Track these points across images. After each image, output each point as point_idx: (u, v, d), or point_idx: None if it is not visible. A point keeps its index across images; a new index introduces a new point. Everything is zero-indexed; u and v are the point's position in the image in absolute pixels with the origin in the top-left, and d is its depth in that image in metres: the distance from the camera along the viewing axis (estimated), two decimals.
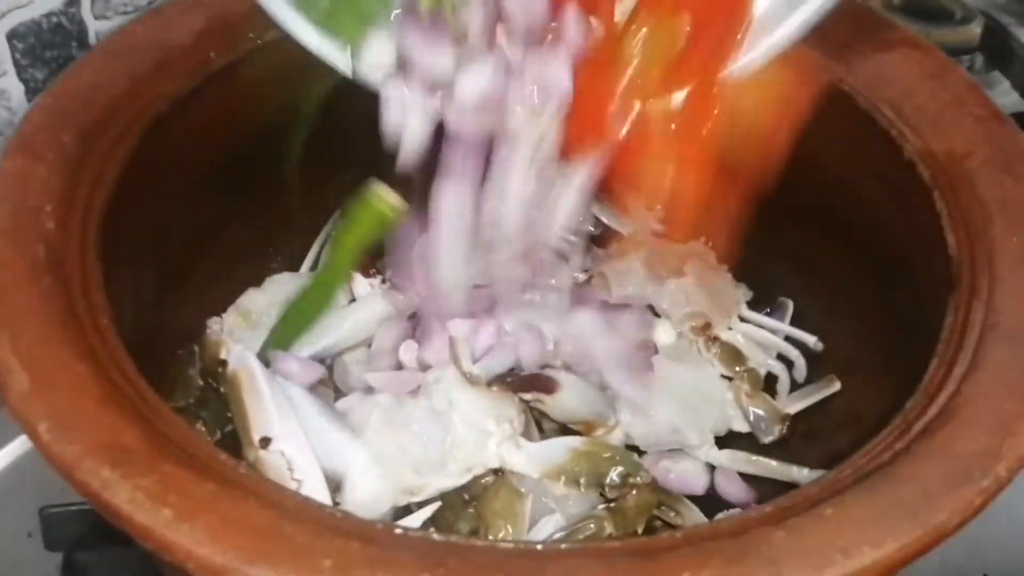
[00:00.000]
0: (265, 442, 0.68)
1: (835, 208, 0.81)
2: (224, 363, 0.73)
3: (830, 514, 0.48)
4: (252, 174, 0.83)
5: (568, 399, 0.75)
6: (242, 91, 0.78)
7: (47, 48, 1.06)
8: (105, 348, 0.55)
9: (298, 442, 0.67)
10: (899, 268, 0.74)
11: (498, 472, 0.71)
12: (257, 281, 0.87)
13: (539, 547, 0.54)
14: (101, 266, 0.61)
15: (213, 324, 0.82)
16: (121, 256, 0.68)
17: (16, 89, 1.01)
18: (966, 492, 0.49)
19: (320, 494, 0.66)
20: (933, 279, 0.67)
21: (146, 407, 0.52)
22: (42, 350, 0.53)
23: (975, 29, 1.36)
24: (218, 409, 0.75)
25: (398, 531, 0.48)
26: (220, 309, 0.84)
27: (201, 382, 0.75)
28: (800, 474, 0.75)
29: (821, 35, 0.77)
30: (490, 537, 0.68)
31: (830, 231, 0.83)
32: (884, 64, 0.75)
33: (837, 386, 0.82)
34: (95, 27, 1.10)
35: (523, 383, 0.74)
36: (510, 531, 0.68)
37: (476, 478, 0.70)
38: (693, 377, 0.82)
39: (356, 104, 0.88)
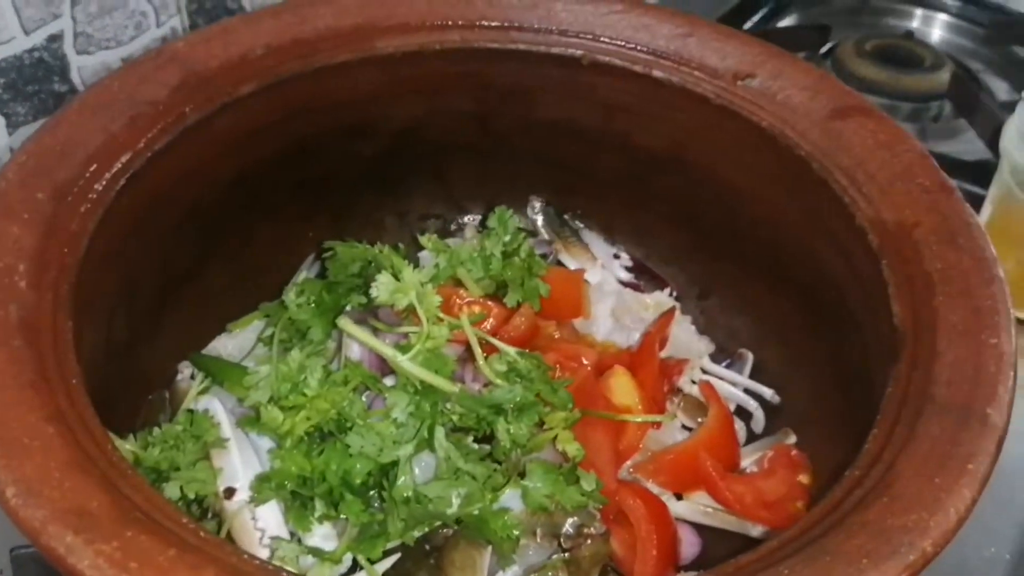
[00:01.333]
0: (229, 492, 0.70)
1: (793, 267, 0.84)
2: (191, 412, 0.74)
3: None
4: (224, 221, 0.85)
5: None
6: (216, 144, 0.80)
7: (29, 83, 1.07)
8: (74, 410, 0.57)
9: None
10: (851, 329, 0.76)
11: (459, 523, 0.73)
12: (233, 320, 0.88)
13: None
14: (72, 324, 0.63)
15: (184, 369, 0.84)
16: (94, 309, 0.70)
17: None
18: (893, 567, 0.51)
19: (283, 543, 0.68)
20: (880, 342, 0.70)
21: (112, 470, 0.54)
22: (11, 413, 0.54)
23: (943, 76, 1.40)
24: None
25: None
26: (194, 352, 0.86)
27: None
28: (754, 529, 0.77)
29: (779, 100, 0.81)
30: None
31: (788, 289, 0.86)
32: (839, 132, 0.78)
33: (793, 439, 0.84)
34: (77, 63, 1.11)
35: None
36: None
37: (436, 529, 0.72)
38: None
39: (330, 149, 0.91)
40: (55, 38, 1.06)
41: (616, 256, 0.98)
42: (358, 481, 0.68)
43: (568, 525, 0.72)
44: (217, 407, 0.75)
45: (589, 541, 0.72)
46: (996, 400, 0.59)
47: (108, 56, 1.07)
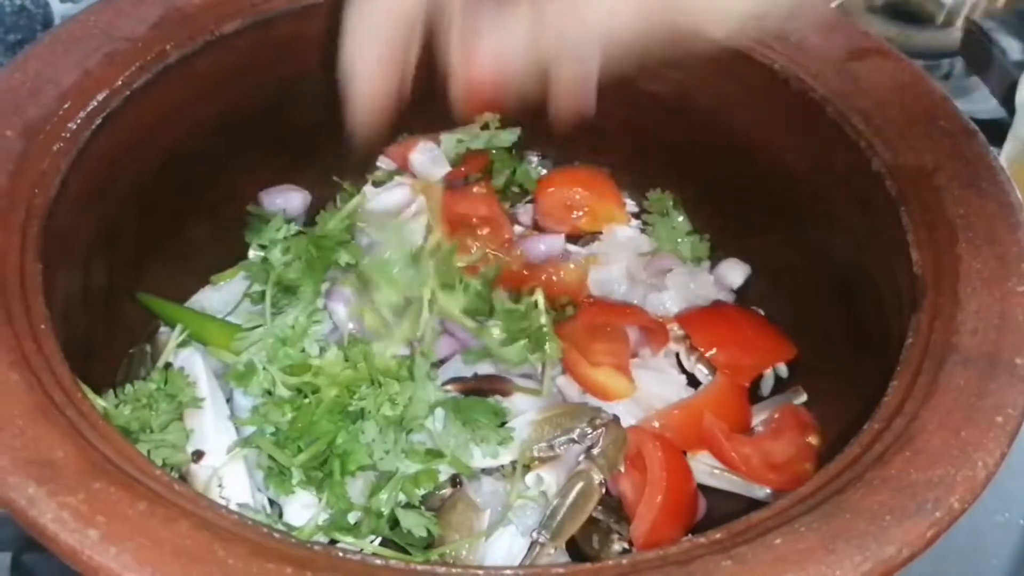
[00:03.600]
0: (197, 455, 0.66)
1: (804, 218, 0.80)
2: (169, 366, 0.71)
3: (779, 544, 0.47)
4: (207, 171, 0.81)
5: (522, 400, 0.74)
6: (199, 84, 0.76)
7: (11, 31, 1.04)
8: (41, 355, 0.53)
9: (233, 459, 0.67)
10: (865, 281, 0.73)
11: (456, 484, 0.70)
12: (216, 273, 0.84)
13: (481, 572, 0.53)
14: (43, 267, 0.59)
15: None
16: (69, 255, 0.66)
17: None
18: (918, 524, 0.48)
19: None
20: (897, 294, 0.66)
21: (81, 419, 0.50)
22: None
23: (955, 33, 1.36)
24: None
25: (335, 554, 0.47)
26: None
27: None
28: (761, 492, 0.74)
29: (793, 41, 0.77)
30: (445, 551, 0.66)
31: (799, 241, 0.82)
32: (856, 74, 0.74)
33: (803, 398, 0.80)
34: (61, 11, 1.07)
35: (480, 384, 0.74)
36: (467, 546, 0.66)
37: (433, 490, 0.69)
38: (658, 383, 0.81)
39: (321, 94, 0.86)
40: None
41: None
42: (352, 468, 0.65)
43: (581, 425, 0.70)
44: (196, 362, 0.71)
45: (606, 430, 0.70)
46: None
47: (92, 4, 1.03)
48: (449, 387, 0.71)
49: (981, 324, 0.58)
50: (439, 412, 0.68)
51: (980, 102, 1.29)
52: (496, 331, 0.72)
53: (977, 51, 1.33)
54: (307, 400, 0.66)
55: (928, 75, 0.73)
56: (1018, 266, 0.60)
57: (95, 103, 0.68)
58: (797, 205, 0.80)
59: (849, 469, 0.52)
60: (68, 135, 0.66)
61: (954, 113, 0.70)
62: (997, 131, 1.10)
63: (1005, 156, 1.07)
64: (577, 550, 0.71)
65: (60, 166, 0.64)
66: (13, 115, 0.64)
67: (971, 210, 0.64)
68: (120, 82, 0.70)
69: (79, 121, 0.67)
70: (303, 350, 0.69)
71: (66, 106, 0.67)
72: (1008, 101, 1.22)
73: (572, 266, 0.82)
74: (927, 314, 0.60)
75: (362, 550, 0.63)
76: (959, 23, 1.36)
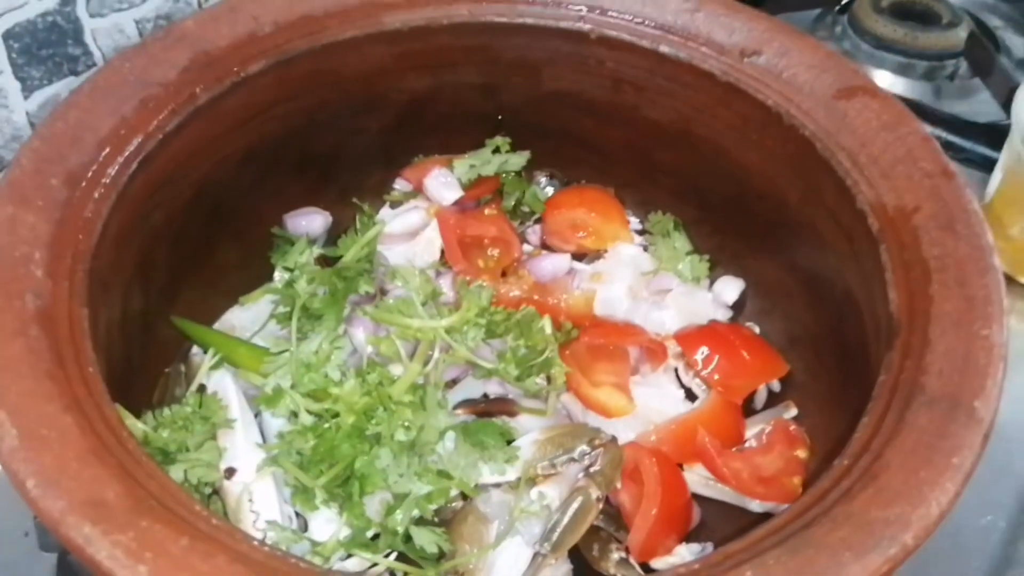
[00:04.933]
0: (230, 472, 0.72)
1: (796, 244, 0.85)
2: (203, 387, 0.77)
3: None
4: (233, 199, 0.86)
5: (527, 420, 0.80)
6: (226, 122, 0.81)
7: (43, 47, 1.08)
8: (91, 398, 0.59)
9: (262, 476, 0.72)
10: (852, 307, 0.77)
11: (466, 497, 0.76)
12: (244, 293, 0.90)
13: None
14: (88, 311, 0.64)
15: None
16: (109, 291, 0.72)
17: (13, 87, 1.03)
18: (873, 560, 0.53)
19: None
20: (877, 326, 0.71)
21: (128, 458, 0.56)
22: (29, 404, 0.56)
23: (960, 34, 1.37)
24: None
25: None
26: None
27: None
28: (752, 503, 0.80)
29: (784, 78, 0.81)
30: (456, 563, 0.72)
31: (792, 265, 0.87)
32: (844, 112, 0.77)
33: (794, 411, 0.85)
34: (91, 25, 1.11)
35: (489, 407, 0.80)
36: (476, 560, 0.72)
37: (446, 504, 0.74)
38: (657, 398, 0.86)
39: (338, 125, 0.91)
40: (68, 1, 1.06)
41: None
42: (370, 490, 0.70)
43: (581, 445, 0.76)
44: (228, 386, 0.77)
45: (603, 450, 0.76)
46: (984, 393, 0.60)
47: (121, 18, 1.07)
48: (459, 411, 0.77)
49: (947, 366, 0.62)
50: (450, 434, 0.73)
51: (982, 104, 1.31)
52: (511, 368, 0.77)
53: (981, 53, 1.34)
54: (327, 426, 0.72)
55: (912, 115, 0.77)
56: (984, 309, 0.64)
57: (131, 148, 0.73)
58: (790, 231, 0.84)
59: (819, 503, 0.57)
60: (108, 180, 0.71)
61: (935, 154, 0.74)
62: (997, 135, 1.12)
63: (1002, 165, 1.09)
64: (579, 556, 0.77)
65: (102, 211, 0.69)
66: (57, 164, 0.69)
67: (946, 251, 0.68)
68: (154, 126, 0.74)
69: (117, 166, 0.71)
70: (326, 375, 0.74)
71: (105, 152, 0.71)
72: (1009, 105, 1.24)
73: (579, 293, 0.87)
74: (899, 353, 0.64)
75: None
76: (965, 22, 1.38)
